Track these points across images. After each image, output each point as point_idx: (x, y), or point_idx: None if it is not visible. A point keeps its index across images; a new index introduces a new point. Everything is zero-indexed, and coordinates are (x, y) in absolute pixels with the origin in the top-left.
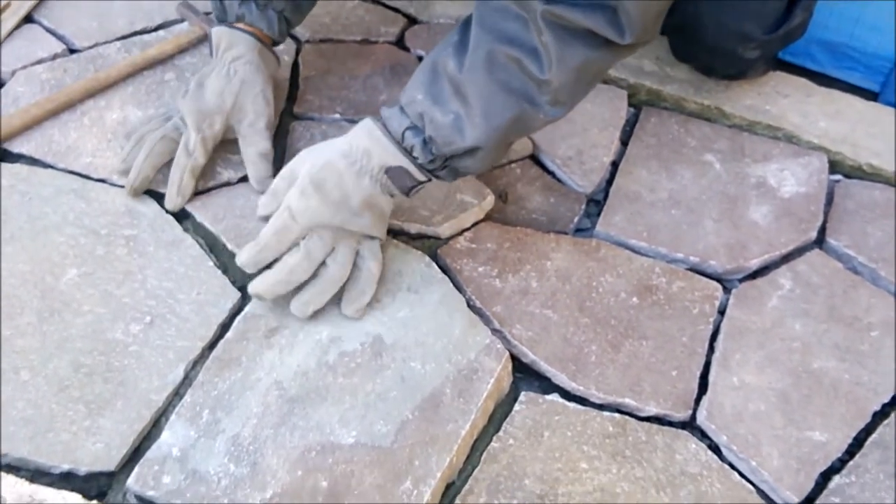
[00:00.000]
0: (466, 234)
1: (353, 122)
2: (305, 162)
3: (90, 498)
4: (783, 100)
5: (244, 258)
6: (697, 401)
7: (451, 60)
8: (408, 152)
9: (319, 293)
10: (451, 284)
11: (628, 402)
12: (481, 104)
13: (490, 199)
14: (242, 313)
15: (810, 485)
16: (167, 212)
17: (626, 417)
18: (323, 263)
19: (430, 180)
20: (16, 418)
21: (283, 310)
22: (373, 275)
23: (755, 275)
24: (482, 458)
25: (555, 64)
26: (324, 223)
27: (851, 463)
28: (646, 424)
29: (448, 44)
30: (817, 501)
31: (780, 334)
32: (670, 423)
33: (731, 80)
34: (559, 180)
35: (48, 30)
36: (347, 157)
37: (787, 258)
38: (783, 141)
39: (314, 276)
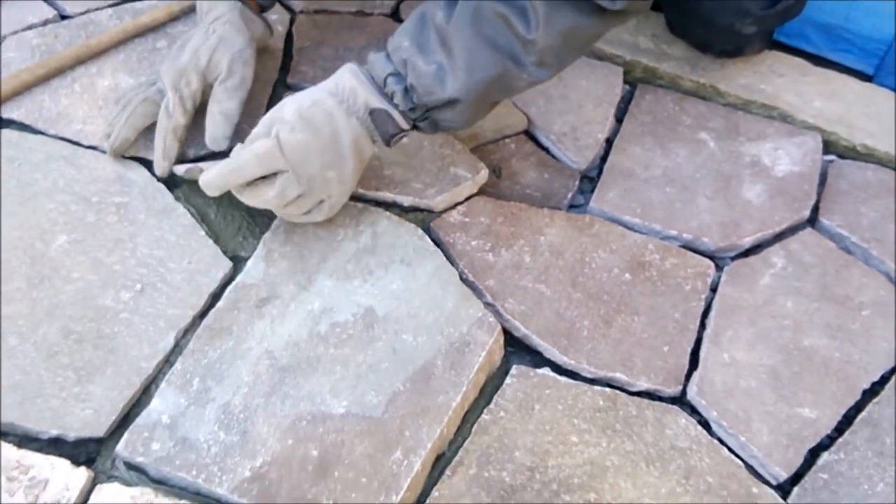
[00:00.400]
0: (460, 207)
1: None
2: (290, 104)
3: (79, 464)
4: (778, 79)
5: (210, 176)
6: (688, 377)
7: (441, 11)
8: (389, 98)
9: (231, 181)
10: (443, 258)
11: (619, 376)
12: (464, 57)
13: (484, 174)
14: (234, 283)
15: (799, 461)
16: (158, 179)
17: (617, 392)
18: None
19: (412, 129)
20: (4, 384)
21: (275, 280)
22: (314, 220)
23: (748, 253)
24: (473, 429)
25: (542, 25)
26: (310, 161)
27: (840, 440)
28: (636, 399)
29: None
30: (806, 477)
31: (771, 312)
32: (661, 399)
33: (727, 58)
34: (553, 156)
35: None
36: (335, 96)
37: (779, 237)
38: (778, 120)
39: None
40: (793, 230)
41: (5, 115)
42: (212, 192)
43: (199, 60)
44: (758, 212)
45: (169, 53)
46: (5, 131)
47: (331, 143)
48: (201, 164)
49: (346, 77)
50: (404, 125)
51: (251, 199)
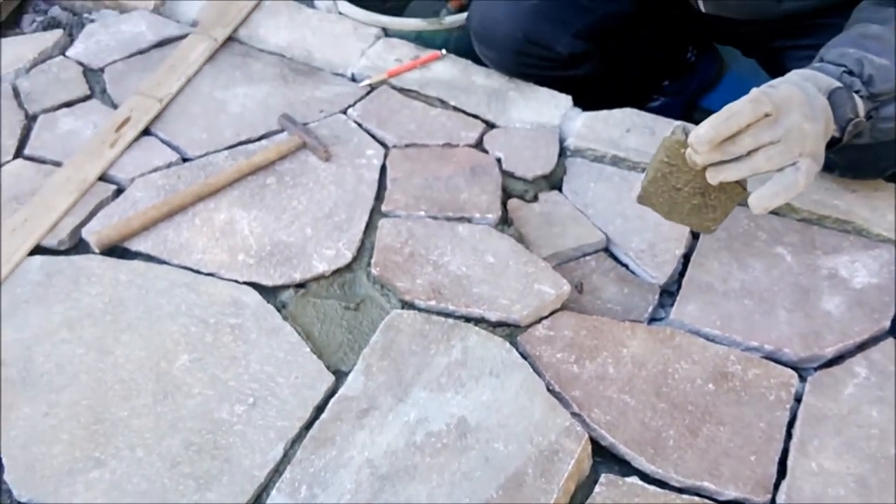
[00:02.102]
0: (544, 322)
1: (437, 218)
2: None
3: None
4: (850, 194)
5: (703, 129)
6: (776, 485)
7: (873, 25)
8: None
9: (737, 171)
10: (530, 369)
11: (707, 485)
12: None
13: (566, 289)
14: (336, 395)
15: None
16: (267, 301)
17: (706, 501)
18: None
19: (866, 119)
20: (132, 492)
21: (374, 393)
22: (797, 186)
23: (830, 363)
24: None
25: None
26: (792, 109)
27: None
28: None
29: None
30: None
31: (856, 421)
32: None
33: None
34: (633, 272)
35: (164, 141)
36: (801, 75)
37: (861, 347)
38: (853, 234)
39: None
40: (874, 340)
41: (134, 248)
42: (702, 146)
43: None
44: (838, 323)
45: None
46: (134, 262)
47: (808, 101)
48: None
49: (802, 71)
50: (860, 111)
51: (732, 170)
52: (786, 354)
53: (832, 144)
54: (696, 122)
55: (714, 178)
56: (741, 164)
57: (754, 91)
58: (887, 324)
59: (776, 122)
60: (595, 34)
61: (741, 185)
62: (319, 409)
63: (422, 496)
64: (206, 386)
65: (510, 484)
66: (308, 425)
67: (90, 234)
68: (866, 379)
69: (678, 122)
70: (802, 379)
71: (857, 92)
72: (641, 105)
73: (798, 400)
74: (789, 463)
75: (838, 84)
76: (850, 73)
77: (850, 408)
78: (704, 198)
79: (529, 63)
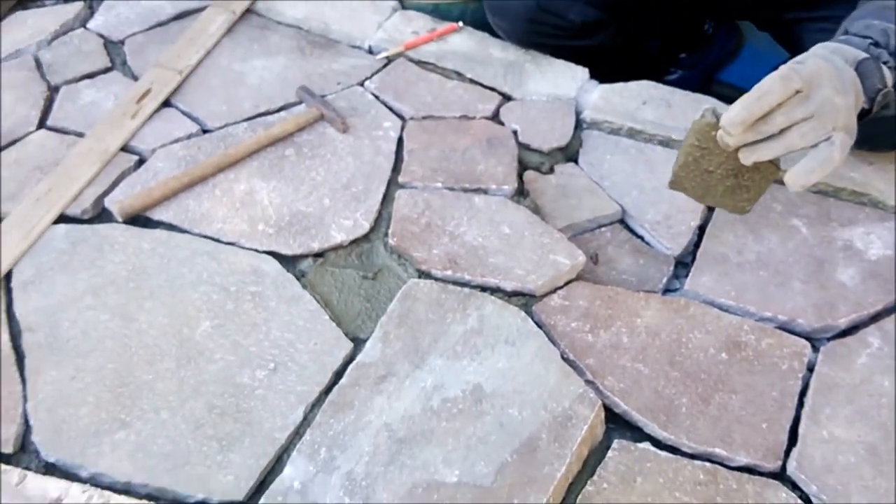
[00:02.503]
0: (559, 292)
1: (453, 189)
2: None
3: None
4: (867, 167)
5: (735, 112)
6: (787, 452)
7: None
8: (875, 58)
9: (771, 150)
10: (545, 338)
11: (719, 451)
12: None
13: (581, 260)
14: (355, 362)
15: None
16: (286, 269)
17: (717, 466)
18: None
19: (893, 91)
20: (157, 453)
21: (391, 359)
22: (832, 161)
23: (843, 334)
24: (577, 500)
25: None
26: (823, 83)
27: None
28: (736, 473)
29: None
30: None
31: (868, 390)
32: (760, 473)
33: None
34: (648, 243)
35: (184, 112)
36: (827, 48)
37: (875, 318)
38: (868, 206)
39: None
40: (888, 311)
41: (156, 218)
42: (735, 128)
43: None
44: (852, 294)
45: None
46: (156, 231)
47: (837, 74)
48: (708, 107)
49: (826, 44)
50: (888, 81)
51: (765, 149)
52: (799, 325)
53: (862, 116)
54: (714, 95)
55: (748, 158)
56: (775, 142)
57: (783, 68)
58: None
59: (808, 98)
60: (608, 2)
61: (775, 163)
62: (338, 374)
63: (438, 459)
64: (227, 351)
65: (524, 448)
66: (327, 390)
67: (113, 203)
68: (879, 349)
69: (707, 105)
70: (815, 349)
71: (885, 63)
72: (659, 78)
73: (811, 369)
74: (800, 430)
75: (865, 55)
76: (877, 44)
77: (862, 377)
78: (738, 179)
79: (542, 32)
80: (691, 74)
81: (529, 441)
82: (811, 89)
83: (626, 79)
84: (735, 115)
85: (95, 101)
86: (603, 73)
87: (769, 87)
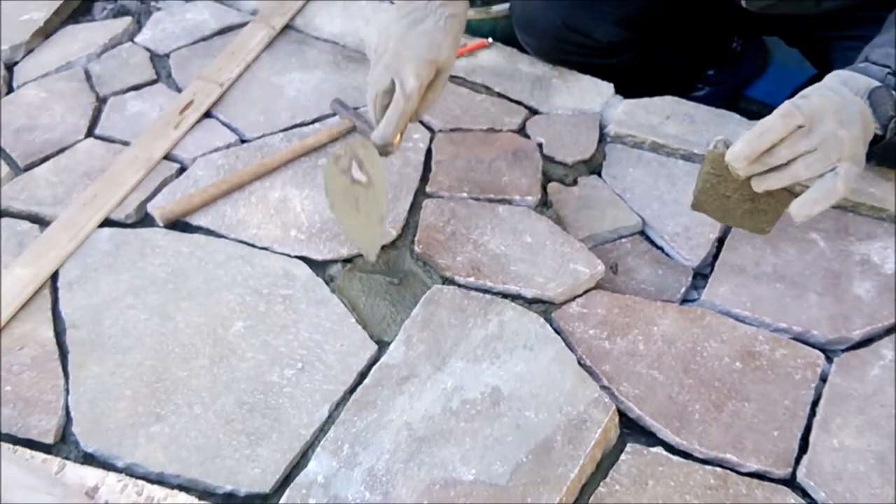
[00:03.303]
0: (578, 300)
1: (479, 200)
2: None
3: None
4: (886, 183)
5: (739, 147)
6: (797, 460)
7: None
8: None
9: (778, 181)
10: (563, 344)
11: (730, 457)
12: None
13: (601, 269)
14: (378, 363)
15: None
16: (316, 274)
17: (728, 472)
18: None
19: None
20: (189, 445)
21: (414, 362)
22: (837, 192)
23: (858, 346)
24: (589, 501)
25: None
26: (826, 117)
27: None
28: (746, 479)
29: None
30: None
31: (880, 401)
32: (770, 479)
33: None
34: (667, 254)
35: (224, 123)
36: (839, 78)
37: (889, 331)
38: (887, 221)
39: (775, 168)
40: None
41: (195, 223)
42: (739, 162)
43: (439, 53)
44: (867, 307)
45: (394, 30)
46: (195, 236)
47: (842, 106)
48: (720, 139)
49: (840, 72)
50: None
51: (773, 180)
52: (814, 336)
53: (876, 142)
54: (741, 112)
55: (759, 187)
56: (781, 173)
57: (785, 104)
58: None
59: (811, 132)
60: (635, 23)
61: (788, 189)
62: (363, 375)
63: (455, 458)
64: (258, 351)
65: (539, 449)
66: (352, 390)
67: (155, 208)
68: (892, 361)
69: (719, 136)
70: (829, 360)
71: None
72: (686, 94)
73: (824, 380)
74: (811, 439)
75: (878, 84)
76: (895, 74)
77: (874, 388)
78: (754, 203)
79: (569, 50)
80: (719, 91)
81: (545, 442)
82: (814, 123)
83: (653, 95)
84: (739, 152)
85: (141, 111)
86: (630, 89)
87: (770, 125)
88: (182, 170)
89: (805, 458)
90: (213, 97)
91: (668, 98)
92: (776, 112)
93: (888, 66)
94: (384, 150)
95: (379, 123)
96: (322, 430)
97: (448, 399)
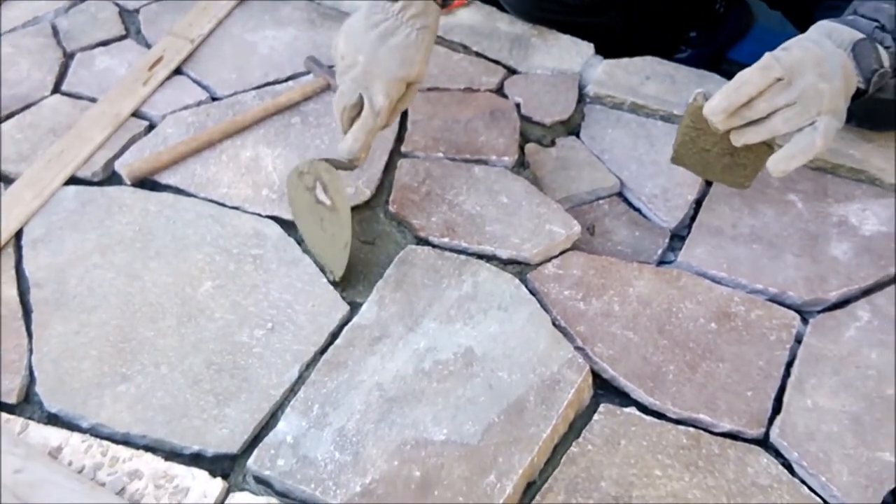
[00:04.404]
0: (554, 261)
1: (454, 160)
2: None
3: (215, 476)
4: (867, 144)
5: (716, 101)
6: (771, 420)
7: None
8: (875, 40)
9: (757, 134)
10: (538, 305)
11: (703, 417)
12: None
13: (577, 230)
14: (350, 324)
15: (878, 501)
16: (288, 234)
17: (701, 432)
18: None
19: (891, 73)
20: (155, 405)
21: (386, 322)
22: (815, 146)
23: (834, 307)
24: (562, 460)
25: None
26: (805, 70)
27: None
28: (719, 439)
29: None
30: None
31: (855, 362)
32: (743, 440)
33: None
34: (644, 216)
35: (194, 80)
36: (822, 35)
37: (866, 292)
38: (866, 183)
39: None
40: (879, 286)
41: (164, 181)
42: (717, 116)
43: (410, 70)
44: (844, 268)
45: (363, 42)
46: (163, 194)
47: (824, 59)
48: (700, 91)
49: (824, 24)
50: (885, 62)
51: (752, 133)
52: (790, 297)
53: (859, 95)
54: (724, 74)
55: (737, 141)
56: (760, 127)
57: (765, 57)
58: (893, 270)
59: (790, 85)
60: None
61: (767, 143)
62: (334, 335)
63: (427, 418)
64: (227, 311)
65: (512, 409)
66: (322, 350)
67: (123, 166)
68: (868, 322)
69: (698, 89)
70: (805, 321)
71: (887, 48)
72: (669, 56)
73: (799, 341)
74: (785, 399)
75: (862, 36)
76: (882, 28)
77: (849, 349)
78: (734, 157)
79: (549, 9)
80: (701, 53)
81: (517, 403)
82: (793, 76)
83: (635, 56)
84: (716, 105)
85: (109, 67)
86: (611, 50)
87: (748, 78)
88: (151, 127)
89: (778, 419)
90: (184, 53)
91: (649, 58)
92: (755, 64)
93: (876, 21)
94: (350, 165)
95: (346, 137)
96: (292, 391)
97: (420, 359)
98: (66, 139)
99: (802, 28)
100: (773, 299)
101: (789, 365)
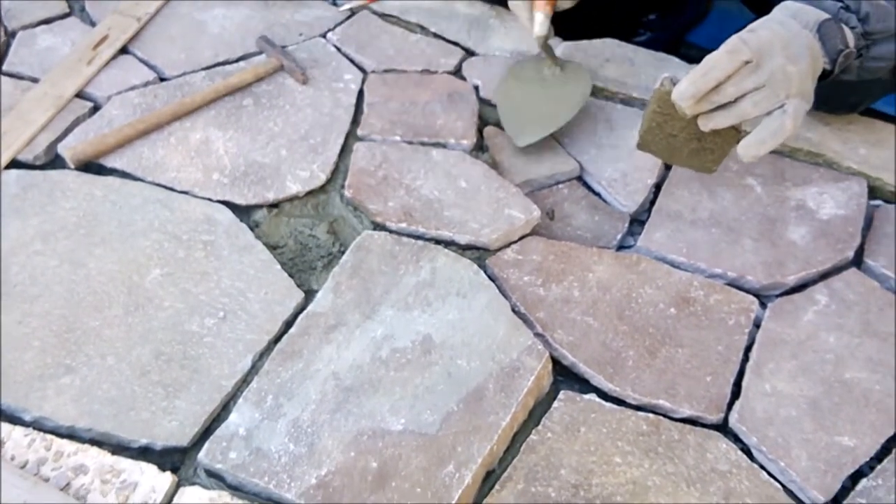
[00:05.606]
0: (514, 246)
1: (412, 143)
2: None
3: (165, 470)
4: (824, 127)
5: (683, 86)
6: (730, 405)
7: None
8: (841, 21)
9: (725, 118)
10: (497, 291)
11: (663, 403)
12: None
13: (536, 215)
14: (305, 312)
15: (837, 486)
16: (240, 219)
17: (660, 418)
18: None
19: (856, 54)
20: (101, 398)
21: (342, 310)
22: (784, 129)
23: (792, 291)
24: (521, 448)
25: None
26: (773, 52)
27: (879, 467)
28: (679, 425)
29: None
30: (844, 502)
31: (813, 346)
32: (703, 425)
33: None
34: (604, 200)
35: (141, 60)
36: (785, 15)
37: (824, 276)
38: (823, 167)
39: (722, 106)
40: (837, 270)
41: (109, 165)
42: (685, 101)
43: None
44: (802, 252)
45: None
46: (109, 178)
47: (790, 40)
48: (667, 76)
49: (790, 4)
50: (850, 43)
51: (720, 118)
52: (748, 282)
53: (824, 76)
54: (682, 57)
55: (705, 126)
56: (728, 111)
57: (732, 39)
58: (851, 254)
59: (758, 68)
60: None
61: (735, 127)
62: (288, 324)
63: (384, 408)
64: (176, 299)
65: (471, 398)
66: (277, 339)
67: (66, 149)
68: (826, 306)
69: (665, 74)
70: (763, 305)
71: (852, 28)
72: (628, 39)
73: (757, 325)
74: (744, 384)
75: (827, 16)
76: (847, 8)
77: (807, 333)
78: (701, 142)
79: None
80: (661, 36)
81: (476, 391)
82: (762, 58)
83: (594, 39)
84: (684, 90)
85: (52, 46)
86: (569, 34)
87: (716, 62)
88: (95, 108)
89: (737, 404)
90: (130, 32)
91: (608, 41)
92: (723, 47)
93: (841, 1)
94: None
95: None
96: (245, 381)
97: (377, 348)
98: (7, 121)
99: (759, 11)
100: (732, 284)
101: (748, 349)
